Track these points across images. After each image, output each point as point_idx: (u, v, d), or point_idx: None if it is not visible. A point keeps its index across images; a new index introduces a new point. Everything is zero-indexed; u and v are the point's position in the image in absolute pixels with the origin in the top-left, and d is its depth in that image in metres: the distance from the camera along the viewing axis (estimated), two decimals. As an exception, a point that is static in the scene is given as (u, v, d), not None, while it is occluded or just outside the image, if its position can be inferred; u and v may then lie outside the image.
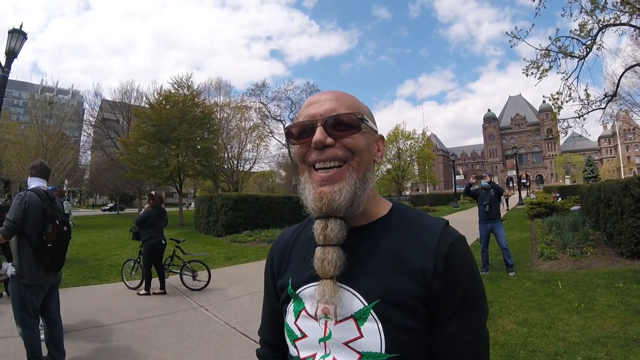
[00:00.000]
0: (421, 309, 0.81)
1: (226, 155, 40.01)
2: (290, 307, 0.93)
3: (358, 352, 0.81)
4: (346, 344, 0.82)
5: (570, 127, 13.53)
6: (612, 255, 8.07)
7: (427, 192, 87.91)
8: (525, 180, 60.05)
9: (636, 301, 5.31)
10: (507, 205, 31.07)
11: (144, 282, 7.23)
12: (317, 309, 0.85)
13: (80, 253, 12.15)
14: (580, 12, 11.21)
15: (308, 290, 0.89)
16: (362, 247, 0.88)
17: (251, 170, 47.52)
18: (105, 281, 8.12)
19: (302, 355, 0.89)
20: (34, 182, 3.84)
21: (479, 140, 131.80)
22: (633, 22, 10.93)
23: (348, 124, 0.87)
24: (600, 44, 11.55)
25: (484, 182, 8.84)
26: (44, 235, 3.58)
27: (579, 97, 12.33)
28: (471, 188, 8.62)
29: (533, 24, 11.41)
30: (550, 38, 11.75)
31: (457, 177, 66.19)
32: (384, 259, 0.85)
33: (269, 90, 48.29)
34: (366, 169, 0.90)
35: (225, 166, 39.34)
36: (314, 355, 0.87)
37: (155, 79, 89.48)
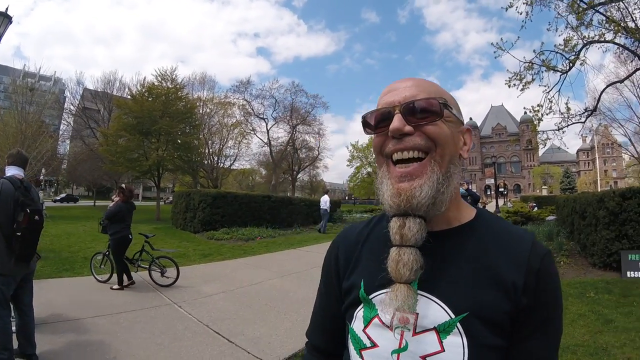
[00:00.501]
0: (507, 325, 0.75)
1: (207, 150, 39.81)
2: (360, 313, 0.85)
3: None
4: (423, 357, 0.75)
5: (550, 139, 13.78)
6: (585, 266, 8.22)
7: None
8: (503, 189, 60.84)
9: (607, 311, 5.41)
10: (485, 213, 31.36)
11: (114, 276, 7.13)
12: (393, 317, 0.78)
13: (54, 244, 11.89)
14: (566, 27, 11.45)
15: (385, 296, 0.80)
16: (446, 253, 0.82)
17: (231, 167, 47.42)
18: (79, 274, 7.96)
19: None
20: (10, 170, 3.80)
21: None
22: (617, 40, 11.16)
23: (429, 110, 0.80)
24: (583, 60, 11.79)
25: (461, 190, 8.94)
26: (14, 224, 3.50)
27: (560, 111, 12.57)
28: None
29: (518, 37, 11.61)
30: (534, 51, 11.97)
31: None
32: (470, 268, 0.79)
33: (254, 88, 48.21)
34: (450, 162, 0.83)
35: (206, 162, 39.12)
36: None
37: (140, 70, 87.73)
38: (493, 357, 0.74)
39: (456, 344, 0.74)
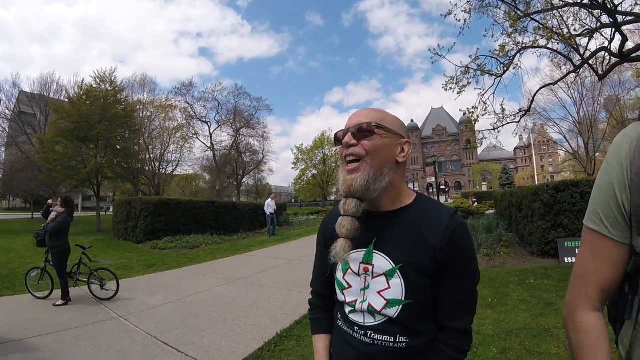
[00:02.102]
0: (431, 272, 1.15)
1: (148, 156, 38.40)
2: (339, 266, 1.30)
3: (385, 299, 1.18)
4: (379, 292, 1.20)
5: (486, 138, 14.37)
6: (524, 255, 8.62)
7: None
8: (444, 187, 63.07)
9: (547, 295, 5.68)
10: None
11: (54, 291, 6.77)
12: (359, 268, 1.24)
13: None
14: (502, 34, 11.95)
15: (354, 255, 1.24)
16: (392, 225, 1.23)
17: (174, 173, 45.97)
18: (20, 292, 7.36)
19: (347, 300, 1.27)
20: None
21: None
22: (550, 46, 11.77)
23: (366, 130, 1.20)
24: (517, 64, 12.36)
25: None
26: None
27: (495, 112, 13.11)
28: None
29: (455, 42, 11.93)
30: (470, 56, 12.36)
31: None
32: (408, 235, 1.19)
33: (196, 90, 47.29)
34: (382, 165, 1.20)
35: (147, 168, 37.77)
36: (355, 300, 1.24)
37: (78, 71, 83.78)
38: (421, 291, 1.16)
39: (397, 283, 1.17)
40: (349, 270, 1.26)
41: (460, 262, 1.16)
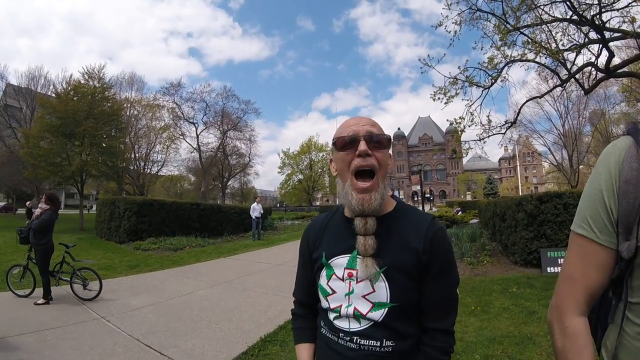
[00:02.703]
0: (415, 274, 1.20)
1: (133, 155, 37.98)
2: (323, 273, 1.31)
3: (371, 302, 1.21)
4: (363, 296, 1.22)
5: (471, 149, 14.52)
6: (507, 264, 8.71)
7: (337, 203, 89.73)
8: (429, 195, 63.22)
9: (529, 304, 5.75)
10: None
11: (36, 289, 6.67)
12: (344, 273, 1.25)
13: None
14: (491, 46, 12.11)
15: (338, 261, 1.28)
16: (377, 231, 1.23)
17: (159, 174, 45.53)
18: (1, 289, 7.20)
19: (332, 306, 1.28)
20: None
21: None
22: (538, 59, 11.94)
23: (382, 142, 1.24)
24: (505, 77, 12.51)
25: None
26: None
27: (481, 122, 13.24)
28: None
29: (445, 54, 12.03)
30: (459, 68, 12.49)
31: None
32: (391, 240, 1.23)
33: (184, 91, 46.96)
34: (384, 179, 1.25)
35: (132, 167, 37.31)
36: (340, 306, 1.25)
37: (66, 66, 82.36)
38: (407, 294, 1.20)
39: (382, 286, 1.20)
40: (333, 276, 1.28)
41: (441, 263, 1.21)
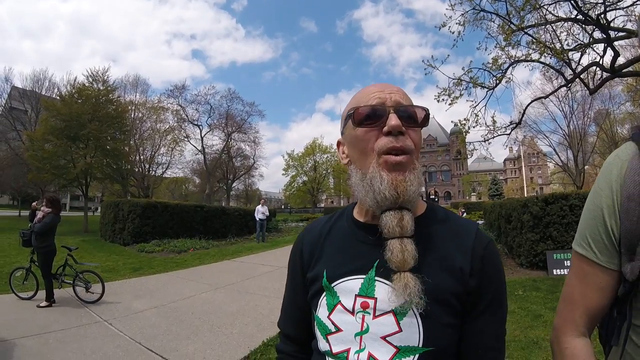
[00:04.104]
0: (458, 305, 0.85)
1: (138, 158, 38.17)
2: (323, 301, 0.94)
3: (395, 346, 0.84)
4: (384, 338, 0.84)
5: (476, 150, 14.44)
6: (513, 266, 8.63)
7: (342, 204, 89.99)
8: (434, 197, 63.36)
9: (535, 307, 5.68)
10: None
11: (39, 292, 6.68)
12: (355, 303, 0.88)
13: None
14: (495, 47, 12.04)
15: (346, 284, 0.90)
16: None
17: (164, 176, 45.73)
18: (4, 291, 7.24)
19: (334, 350, 0.90)
20: None
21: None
22: (543, 60, 11.87)
23: (417, 118, 0.90)
24: (509, 77, 12.44)
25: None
26: None
27: (486, 124, 13.18)
28: None
29: (449, 55, 12.07)
30: (463, 68, 12.41)
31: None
32: (424, 256, 0.86)
33: (188, 93, 47.11)
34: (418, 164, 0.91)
35: (136, 169, 37.48)
36: (347, 350, 0.88)
37: (70, 69, 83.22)
38: (446, 334, 0.85)
39: (412, 323, 0.83)
40: (338, 307, 0.91)
41: (495, 290, 0.88)
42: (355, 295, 0.88)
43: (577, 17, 10.51)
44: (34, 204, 7.33)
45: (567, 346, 0.92)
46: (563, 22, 11.11)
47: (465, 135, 13.66)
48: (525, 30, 11.19)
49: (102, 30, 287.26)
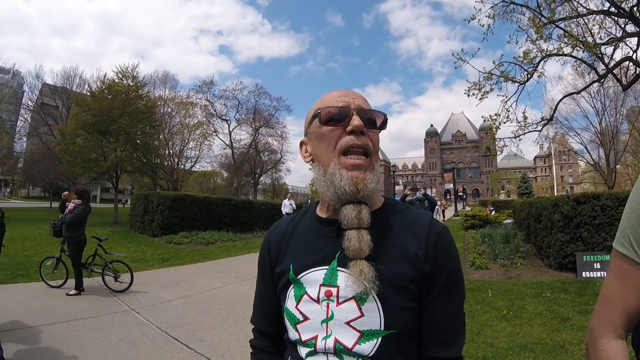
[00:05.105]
0: (415, 290, 0.92)
1: (167, 152, 38.83)
2: (291, 292, 1.00)
3: (358, 331, 0.90)
4: (348, 323, 0.91)
5: (507, 146, 14.17)
6: (541, 267, 8.45)
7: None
8: (462, 194, 62.46)
9: (563, 309, 5.56)
10: (444, 216, 32.41)
11: (68, 280, 6.90)
12: (319, 292, 0.94)
13: (8, 248, 11.11)
14: (526, 40, 11.79)
15: (311, 275, 0.97)
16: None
17: (192, 170, 46.34)
18: (34, 279, 7.51)
19: (303, 338, 0.96)
20: None
21: (420, 153, 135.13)
22: (575, 54, 11.56)
23: (376, 122, 0.99)
24: (541, 72, 12.14)
25: (418, 194, 9.12)
26: None
27: (517, 119, 12.92)
28: (406, 199, 8.88)
29: (479, 48, 11.84)
30: (494, 62, 12.17)
31: (397, 188, 67.74)
32: (382, 246, 0.94)
33: (217, 88, 47.50)
34: (377, 164, 1.00)
35: (166, 163, 38.15)
36: (315, 337, 0.94)
37: (100, 66, 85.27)
38: (406, 317, 0.91)
39: (372, 308, 0.90)
40: (305, 297, 0.96)
41: (449, 274, 0.94)
42: (320, 284, 0.94)
43: (610, 10, 10.22)
44: (64, 194, 7.55)
45: (602, 348, 0.89)
46: (595, 15, 10.82)
47: (496, 131, 13.41)
48: (557, 24, 10.92)
49: (129, 27, 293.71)
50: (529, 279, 7.66)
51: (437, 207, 18.35)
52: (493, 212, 26.54)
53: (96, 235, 7.50)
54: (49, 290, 6.94)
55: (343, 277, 0.92)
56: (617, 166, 36.37)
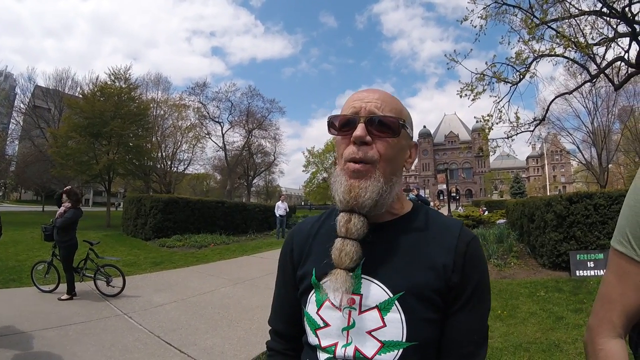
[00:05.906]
0: (439, 301, 0.89)
1: (160, 154, 38.71)
2: (312, 297, 0.98)
3: (380, 341, 0.88)
4: (369, 332, 0.89)
5: (499, 147, 14.24)
6: (535, 266, 8.48)
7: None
8: (455, 194, 62.61)
9: (557, 309, 5.57)
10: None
11: (60, 285, 6.83)
12: (341, 300, 0.91)
13: (0, 252, 11.11)
14: (518, 41, 11.90)
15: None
16: (386, 241, 0.95)
17: (185, 172, 46.32)
18: (26, 284, 7.41)
19: (323, 344, 0.94)
20: None
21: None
22: (567, 54, 11.64)
23: (389, 127, 0.92)
24: (533, 72, 12.24)
25: (411, 195, 9.11)
26: None
27: (509, 120, 12.99)
28: None
29: (472, 49, 11.88)
30: (486, 63, 12.25)
31: (392, 189, 67.77)
32: (407, 254, 0.92)
33: (209, 90, 47.45)
34: (392, 174, 0.94)
35: (158, 166, 38.02)
36: (335, 344, 0.92)
37: (92, 67, 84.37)
38: (429, 329, 0.89)
39: (395, 319, 0.88)
40: (327, 303, 0.95)
41: (476, 286, 0.91)
42: (342, 292, 0.90)
43: (602, 10, 10.29)
44: (66, 188, 7.43)
45: (601, 347, 0.88)
46: (587, 16, 10.90)
47: (489, 131, 13.49)
48: (549, 24, 10.98)
49: (122, 28, 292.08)
50: (522, 278, 7.68)
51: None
52: (486, 212, 26.70)
53: (88, 239, 7.43)
54: (41, 295, 6.86)
55: (367, 286, 0.91)
56: (610, 165, 36.71)
